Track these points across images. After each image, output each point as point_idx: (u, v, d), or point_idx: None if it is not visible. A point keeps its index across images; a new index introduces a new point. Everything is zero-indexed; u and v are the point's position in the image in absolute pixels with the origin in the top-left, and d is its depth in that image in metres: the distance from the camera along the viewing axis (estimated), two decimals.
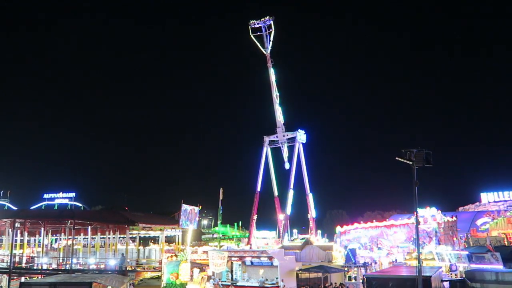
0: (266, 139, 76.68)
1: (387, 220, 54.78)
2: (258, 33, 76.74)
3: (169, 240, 63.09)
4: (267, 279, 43.14)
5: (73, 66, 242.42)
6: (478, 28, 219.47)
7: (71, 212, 55.16)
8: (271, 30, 76.51)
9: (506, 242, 51.98)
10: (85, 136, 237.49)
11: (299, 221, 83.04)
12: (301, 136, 74.95)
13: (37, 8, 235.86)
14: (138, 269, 42.56)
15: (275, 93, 75.33)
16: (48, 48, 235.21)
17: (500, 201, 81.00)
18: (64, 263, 41.72)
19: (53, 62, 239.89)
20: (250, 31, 76.79)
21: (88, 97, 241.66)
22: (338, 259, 49.13)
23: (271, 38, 76.50)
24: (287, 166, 75.80)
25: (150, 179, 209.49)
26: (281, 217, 73.81)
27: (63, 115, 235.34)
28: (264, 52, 77.09)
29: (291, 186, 72.28)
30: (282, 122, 75.09)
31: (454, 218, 49.47)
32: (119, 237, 52.23)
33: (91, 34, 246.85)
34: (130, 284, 35.81)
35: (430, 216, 45.71)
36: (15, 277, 37.49)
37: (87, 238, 49.11)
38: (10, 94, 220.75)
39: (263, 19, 76.27)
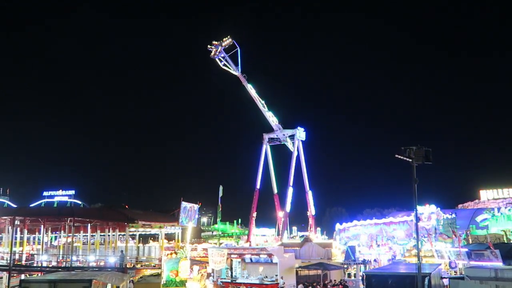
0: (266, 136, 76.62)
1: (386, 217, 54.72)
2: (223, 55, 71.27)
3: (169, 237, 63.14)
4: (266, 276, 43.26)
5: (72, 66, 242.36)
6: (478, 28, 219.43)
7: (70, 210, 55.23)
8: (235, 49, 71.12)
9: (505, 239, 52.05)
10: (84, 134, 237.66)
11: (298, 218, 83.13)
12: (300, 133, 74.87)
13: (37, 8, 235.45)
14: (138, 266, 42.58)
15: (260, 103, 73.64)
16: (48, 48, 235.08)
17: (500, 198, 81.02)
18: (64, 260, 41.73)
19: (53, 62, 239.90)
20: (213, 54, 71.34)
21: (88, 95, 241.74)
22: (338, 256, 49.22)
23: (239, 57, 71.45)
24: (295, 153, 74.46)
25: (150, 177, 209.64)
26: (280, 214, 73.84)
27: (63, 113, 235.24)
28: (235, 73, 72.25)
29: (291, 183, 72.30)
30: (277, 122, 74.73)
31: (453, 215, 49.50)
32: (119, 235, 52.27)
33: (91, 34, 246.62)
34: (129, 282, 35.83)
35: (430, 213, 45.74)
36: (15, 275, 37.54)
37: (87, 236, 49.16)
38: (10, 93, 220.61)
39: (218, 42, 70.65)
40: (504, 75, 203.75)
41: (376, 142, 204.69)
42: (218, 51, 70.97)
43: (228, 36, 71.18)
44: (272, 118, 74.21)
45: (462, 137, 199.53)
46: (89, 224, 45.35)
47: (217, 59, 71.65)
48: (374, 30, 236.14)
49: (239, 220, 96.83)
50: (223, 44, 70.82)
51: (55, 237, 61.33)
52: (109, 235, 51.05)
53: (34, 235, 57.31)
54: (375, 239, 49.48)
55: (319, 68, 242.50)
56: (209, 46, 71.19)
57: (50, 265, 40.38)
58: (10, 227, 42.54)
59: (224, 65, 72.14)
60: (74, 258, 42.02)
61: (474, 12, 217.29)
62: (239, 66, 72.28)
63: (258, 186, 75.91)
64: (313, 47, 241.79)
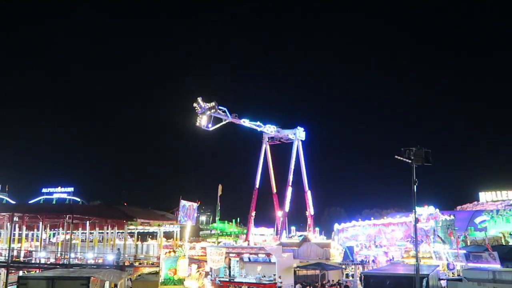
0: (265, 136, 76.55)
1: (385, 218, 54.71)
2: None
3: (167, 235, 63.11)
4: (264, 276, 43.30)
5: (73, 65, 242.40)
6: (478, 28, 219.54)
7: (69, 207, 55.27)
8: (222, 110, 70.81)
9: (503, 241, 52.10)
10: (84, 131, 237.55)
11: (297, 218, 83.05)
12: (300, 133, 74.86)
13: (37, 8, 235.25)
14: (136, 264, 42.60)
15: (257, 126, 73.40)
16: (48, 48, 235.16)
17: (499, 200, 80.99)
18: (62, 257, 41.76)
19: (53, 62, 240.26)
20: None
21: (87, 93, 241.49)
22: (336, 256, 49.21)
23: (228, 113, 71.11)
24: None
25: (149, 175, 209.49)
26: (279, 214, 73.84)
27: (62, 111, 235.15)
28: (227, 121, 71.65)
29: (290, 183, 72.27)
30: (275, 128, 74.85)
31: (452, 217, 49.54)
32: (117, 232, 52.24)
33: (91, 34, 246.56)
34: (127, 279, 35.84)
35: (428, 215, 45.74)
36: (13, 271, 37.55)
37: (85, 233, 49.15)
38: (10, 92, 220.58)
39: (204, 102, 69.55)
40: (504, 75, 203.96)
41: (376, 142, 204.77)
42: (203, 122, 70.09)
43: (214, 102, 70.29)
44: (270, 129, 74.46)
45: (462, 138, 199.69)
46: (87, 222, 45.33)
47: (204, 128, 70.95)
48: (374, 30, 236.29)
49: (238, 219, 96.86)
50: (208, 113, 69.94)
51: (54, 234, 61.27)
52: (107, 233, 51.04)
53: (32, 232, 57.29)
54: (373, 239, 49.50)
55: (319, 68, 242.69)
56: (194, 105, 70.18)
57: (48, 262, 40.42)
58: (8, 224, 42.57)
59: (214, 124, 71.35)
60: (73, 255, 42.05)
61: (474, 12, 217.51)
62: (229, 114, 71.41)
63: (257, 185, 75.92)
64: (313, 47, 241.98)
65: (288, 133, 75.09)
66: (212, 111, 70.21)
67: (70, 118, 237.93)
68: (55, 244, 52.06)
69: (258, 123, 73.70)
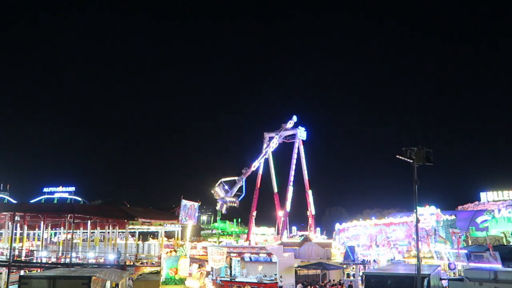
0: (267, 135, 76.51)
1: (386, 218, 54.69)
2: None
3: (168, 235, 63.10)
4: (265, 275, 43.27)
5: (73, 64, 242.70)
6: (479, 28, 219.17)
7: (70, 206, 55.17)
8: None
9: (504, 241, 52.05)
10: (85, 131, 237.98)
11: (298, 218, 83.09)
12: (301, 133, 74.85)
13: (37, 8, 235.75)
14: (137, 263, 42.58)
15: (264, 154, 74.81)
16: (47, 47, 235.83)
17: (500, 200, 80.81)
18: (64, 257, 41.78)
19: (53, 61, 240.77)
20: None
21: (88, 92, 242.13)
22: (337, 256, 49.22)
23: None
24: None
25: (150, 174, 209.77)
26: (280, 213, 73.86)
27: (63, 110, 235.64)
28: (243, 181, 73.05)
29: (291, 183, 72.28)
30: (278, 135, 74.83)
31: (453, 217, 49.49)
32: (119, 232, 52.26)
33: (91, 33, 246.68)
34: (128, 279, 35.83)
35: (429, 215, 45.70)
36: (14, 270, 37.56)
37: (87, 233, 49.15)
38: (11, 92, 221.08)
39: (225, 196, 70.72)
40: (505, 76, 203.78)
41: (377, 142, 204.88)
42: (224, 209, 71.34)
43: (235, 198, 71.34)
44: (275, 142, 74.61)
45: (463, 138, 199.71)
46: (89, 221, 45.31)
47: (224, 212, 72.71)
48: (373, 30, 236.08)
49: (239, 218, 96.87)
50: (228, 204, 70.98)
51: (55, 234, 61.35)
52: (108, 232, 51.05)
53: (34, 231, 57.31)
54: (374, 239, 49.47)
55: (320, 68, 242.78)
56: (213, 192, 70.55)
57: (50, 262, 40.41)
58: (10, 223, 42.57)
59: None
60: (74, 254, 42.03)
61: (475, 12, 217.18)
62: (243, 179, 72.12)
63: (258, 185, 75.94)
64: (314, 48, 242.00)
65: (289, 133, 75.16)
66: (234, 204, 71.32)
67: (72, 118, 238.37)
68: (57, 244, 52.11)
69: (264, 152, 74.36)
